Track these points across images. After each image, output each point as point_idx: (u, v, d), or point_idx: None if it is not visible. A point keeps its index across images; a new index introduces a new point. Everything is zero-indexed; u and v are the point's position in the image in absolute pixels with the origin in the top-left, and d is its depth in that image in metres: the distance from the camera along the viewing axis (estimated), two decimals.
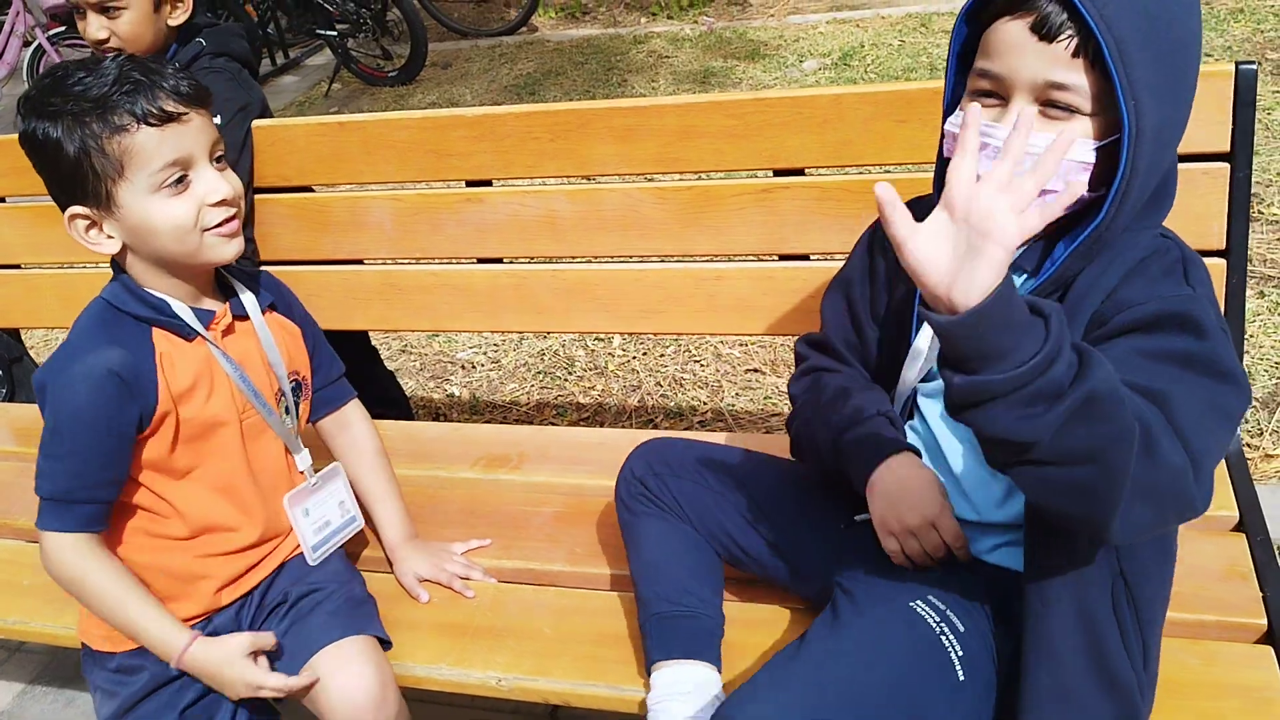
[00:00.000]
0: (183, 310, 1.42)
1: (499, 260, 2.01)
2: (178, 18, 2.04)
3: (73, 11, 2.00)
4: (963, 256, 0.91)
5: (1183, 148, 1.54)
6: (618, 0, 7.33)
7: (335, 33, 6.37)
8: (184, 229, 1.34)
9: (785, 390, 2.92)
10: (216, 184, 1.35)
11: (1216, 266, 1.59)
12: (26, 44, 6.41)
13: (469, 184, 1.98)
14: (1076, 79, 1.08)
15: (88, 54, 1.29)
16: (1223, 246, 1.58)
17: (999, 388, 0.89)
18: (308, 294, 2.13)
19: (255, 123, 2.04)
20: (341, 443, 1.70)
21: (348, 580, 1.58)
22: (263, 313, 1.53)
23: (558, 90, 5.82)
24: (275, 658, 1.47)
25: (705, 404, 2.95)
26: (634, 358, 3.23)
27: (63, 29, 6.43)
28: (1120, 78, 1.04)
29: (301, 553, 1.58)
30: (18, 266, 2.36)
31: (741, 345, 3.17)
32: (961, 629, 1.17)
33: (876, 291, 1.39)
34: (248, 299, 1.51)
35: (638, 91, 5.56)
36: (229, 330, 1.48)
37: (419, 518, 1.75)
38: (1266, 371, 2.65)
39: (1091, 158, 1.11)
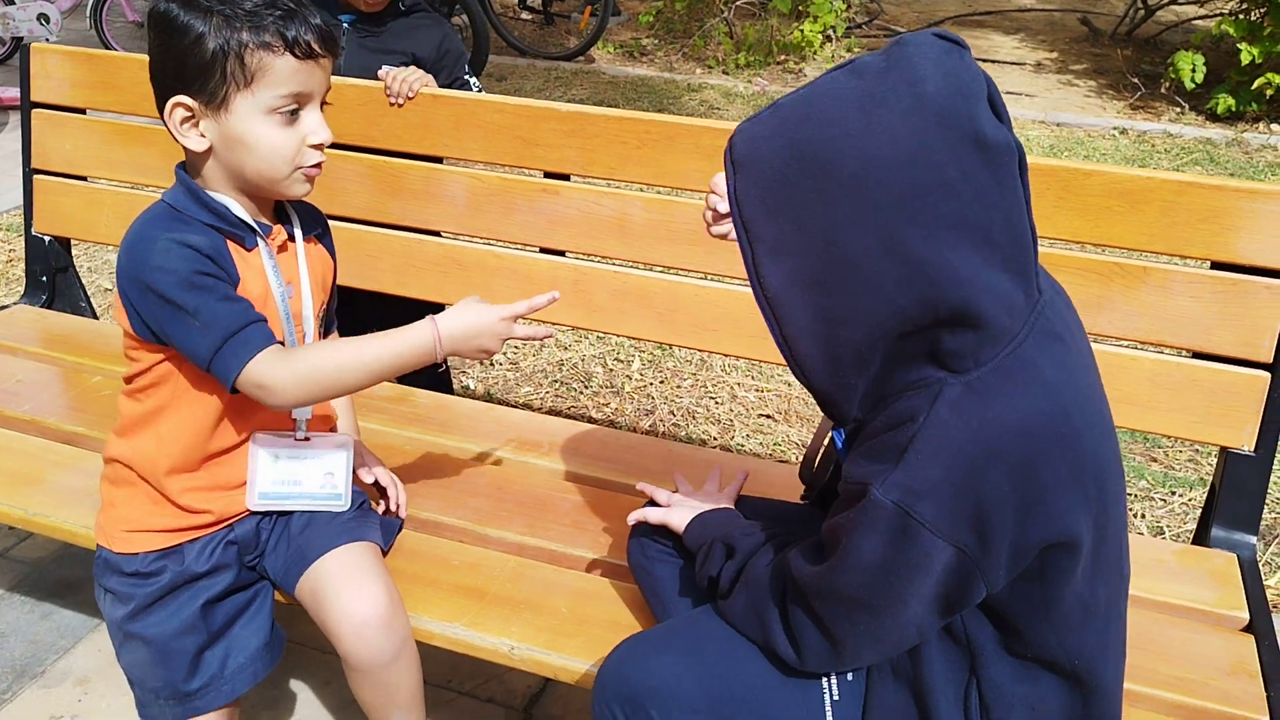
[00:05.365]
0: (245, 216, 1.44)
1: (562, 253, 2.05)
2: None
3: None
4: None
5: (1251, 260, 1.62)
6: (676, 48, 7.48)
7: None
8: (281, 157, 1.39)
9: (794, 439, 2.98)
10: (320, 127, 1.41)
11: (1260, 379, 1.65)
12: None
13: (547, 175, 2.03)
14: None
15: None
16: (1270, 360, 1.64)
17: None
18: (368, 254, 2.17)
19: (353, 82, 2.10)
20: None
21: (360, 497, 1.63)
22: (305, 240, 1.55)
23: None
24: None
25: (715, 439, 2.98)
26: (651, 384, 3.27)
27: None
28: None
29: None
30: (84, 179, 2.39)
31: (758, 391, 3.22)
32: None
33: None
34: (296, 224, 1.54)
35: None
36: (282, 248, 1.51)
37: (449, 486, 1.79)
38: (1268, 507, 2.71)
39: None
